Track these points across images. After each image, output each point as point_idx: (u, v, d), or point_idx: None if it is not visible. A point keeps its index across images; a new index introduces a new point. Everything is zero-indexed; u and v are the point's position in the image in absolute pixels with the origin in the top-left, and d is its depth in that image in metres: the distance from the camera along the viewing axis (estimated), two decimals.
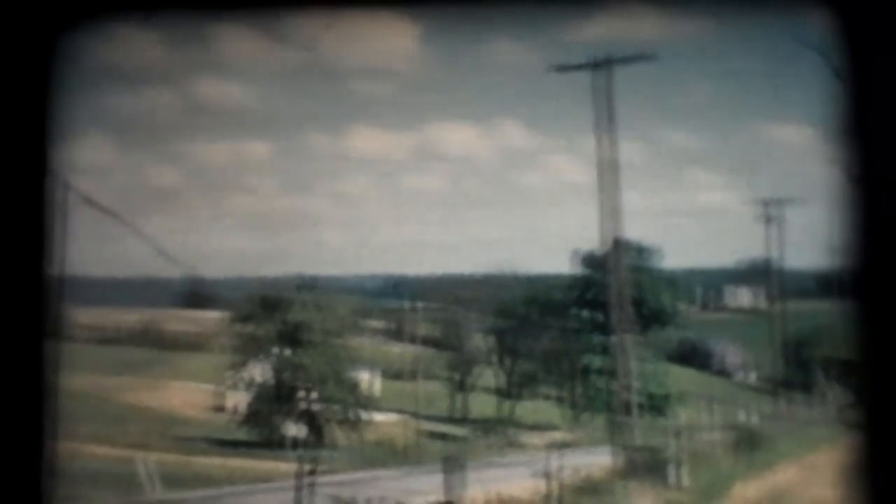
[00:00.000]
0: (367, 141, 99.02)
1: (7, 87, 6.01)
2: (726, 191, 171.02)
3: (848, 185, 5.92)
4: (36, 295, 6.03)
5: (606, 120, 36.91)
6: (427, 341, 72.34)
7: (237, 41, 74.91)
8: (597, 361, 68.17)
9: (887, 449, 5.81)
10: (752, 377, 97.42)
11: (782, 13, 7.68)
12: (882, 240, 5.90)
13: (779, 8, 7.73)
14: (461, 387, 75.00)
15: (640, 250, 74.81)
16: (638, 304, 71.56)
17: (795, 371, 75.50)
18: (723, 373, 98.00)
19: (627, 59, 37.70)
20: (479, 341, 76.26)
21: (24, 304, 5.98)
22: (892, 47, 5.92)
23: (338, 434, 53.96)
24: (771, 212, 63.01)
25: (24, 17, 6.04)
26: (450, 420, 70.71)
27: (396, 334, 75.56)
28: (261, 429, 52.96)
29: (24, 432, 5.97)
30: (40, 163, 6.07)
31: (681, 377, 79.82)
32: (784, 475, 33.38)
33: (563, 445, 43.22)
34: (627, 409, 36.37)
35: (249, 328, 54.95)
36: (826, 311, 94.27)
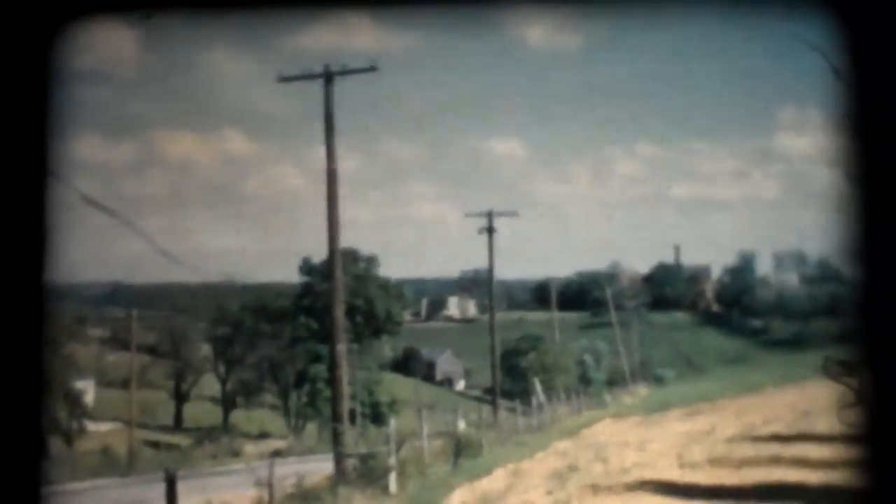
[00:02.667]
0: (86, 147, 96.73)
1: (6, 87, 5.91)
2: (446, 202, 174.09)
3: (848, 185, 5.93)
4: (35, 294, 5.92)
5: (328, 130, 37.20)
6: (146, 349, 71.15)
7: None
8: (317, 369, 68.60)
9: (887, 449, 5.78)
10: (470, 385, 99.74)
11: (783, 13, 7.54)
12: (882, 240, 5.85)
13: (780, 8, 7.62)
14: (179, 395, 74.11)
15: (361, 259, 75.72)
16: (359, 312, 72.46)
17: (509, 379, 77.85)
18: (442, 381, 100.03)
19: (349, 71, 38.10)
20: (200, 350, 75.58)
21: (23, 304, 5.87)
22: (892, 47, 5.88)
23: (52, 443, 52.54)
24: (488, 223, 64.57)
25: (24, 16, 5.95)
26: (168, 429, 69.74)
27: (115, 342, 74.11)
28: None
29: (24, 432, 5.85)
30: (39, 161, 5.98)
31: (401, 385, 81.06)
32: (496, 481, 34.30)
33: (283, 454, 43.37)
34: (347, 416, 36.72)
35: None
36: (538, 321, 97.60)
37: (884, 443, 5.78)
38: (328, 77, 37.17)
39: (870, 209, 5.86)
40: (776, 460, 35.44)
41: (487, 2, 7.88)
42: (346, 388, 37.07)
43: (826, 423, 45.62)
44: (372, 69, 38.28)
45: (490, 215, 64.54)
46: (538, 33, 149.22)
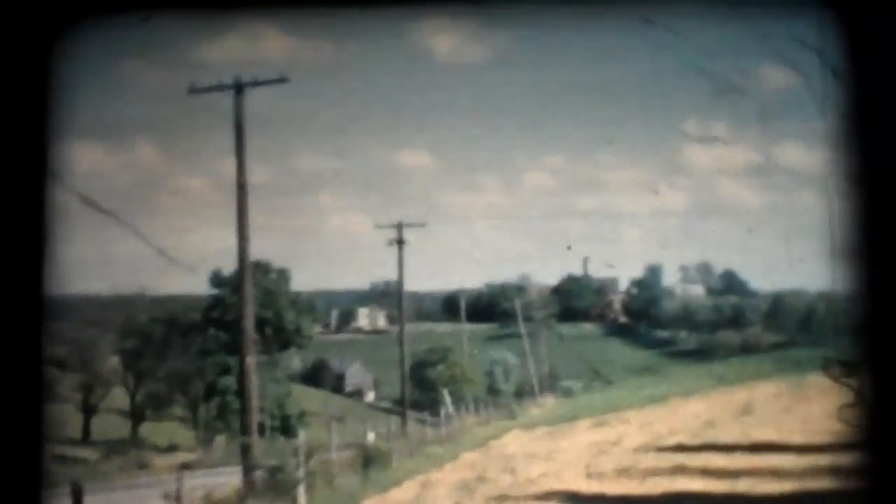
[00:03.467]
0: None
1: (6, 88, 5.89)
2: (356, 213, 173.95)
3: (848, 186, 5.92)
4: (34, 298, 5.92)
5: (238, 142, 37.15)
6: (54, 362, 70.11)
7: None
8: (226, 382, 68.23)
9: (886, 451, 5.78)
10: (380, 396, 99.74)
11: (782, 13, 7.55)
12: (882, 240, 5.85)
13: (779, 8, 7.60)
14: (87, 408, 73.28)
15: (272, 272, 75.47)
16: (268, 325, 72.21)
17: (418, 390, 78.09)
18: (351, 393, 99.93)
19: (259, 82, 38.10)
20: (109, 362, 74.76)
21: (22, 307, 5.86)
22: (892, 47, 5.87)
23: None
24: (398, 235, 64.81)
25: (24, 17, 5.92)
26: (76, 442, 68.90)
27: None
28: None
29: (24, 434, 5.86)
30: (40, 163, 5.95)
31: (310, 397, 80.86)
32: (405, 492, 34.48)
33: (192, 466, 43.12)
34: (256, 429, 36.69)
35: None
36: (448, 332, 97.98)
37: (883, 444, 5.83)
38: (238, 88, 37.10)
39: (870, 209, 5.87)
40: (681, 470, 36.00)
41: (394, 12, 7.83)
42: (255, 401, 37.04)
43: (730, 432, 46.45)
44: (282, 80, 38.31)
45: (400, 227, 64.82)
46: (446, 45, 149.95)
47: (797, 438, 42.97)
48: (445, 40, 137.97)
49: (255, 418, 36.94)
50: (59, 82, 6.07)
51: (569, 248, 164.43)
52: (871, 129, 5.82)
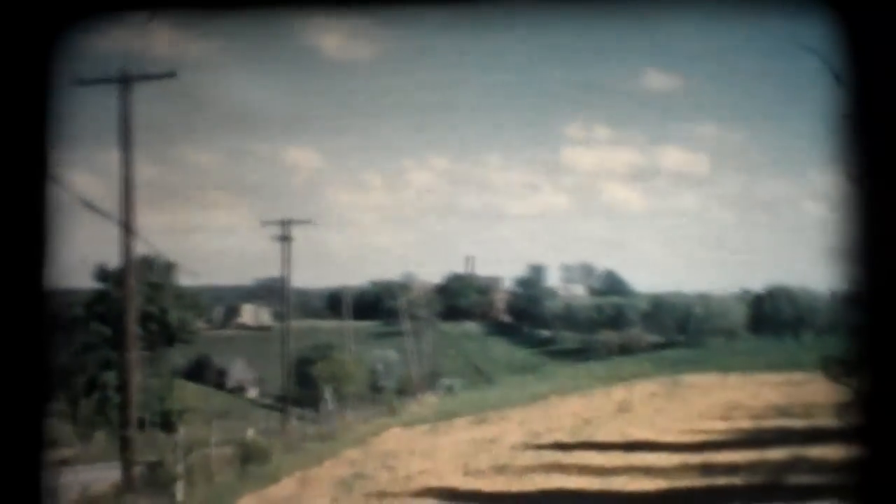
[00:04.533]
0: None
1: (6, 87, 5.86)
2: (243, 210, 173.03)
3: (848, 186, 5.90)
4: (35, 297, 5.87)
5: (125, 136, 36.88)
6: None
7: None
8: (107, 377, 67.62)
9: (885, 450, 5.81)
10: (262, 393, 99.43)
11: (782, 13, 7.46)
12: (882, 241, 5.85)
13: (779, 8, 7.53)
14: None
15: (158, 267, 74.91)
16: (152, 320, 71.72)
17: (301, 387, 78.08)
18: (234, 389, 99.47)
19: (147, 76, 37.79)
20: None
21: (23, 306, 5.80)
22: (892, 47, 5.85)
23: None
24: (284, 232, 64.83)
25: (23, 16, 5.88)
26: None
27: None
28: None
29: (24, 433, 5.84)
30: (39, 163, 5.93)
31: (192, 393, 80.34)
32: (285, 488, 34.68)
33: (70, 461, 42.79)
34: (136, 424, 36.59)
35: None
36: (332, 329, 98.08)
37: (882, 444, 5.83)
38: (125, 81, 36.68)
39: (869, 210, 5.86)
40: (558, 467, 36.71)
41: (281, 10, 7.81)
42: (135, 396, 36.90)
43: (607, 431, 47.41)
44: (171, 75, 38.09)
45: (286, 223, 64.84)
46: (333, 42, 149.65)
47: (671, 437, 44.08)
48: (332, 37, 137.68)
49: (136, 413, 36.83)
50: (59, 82, 6.06)
51: (468, 258, 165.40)
52: (872, 129, 5.84)
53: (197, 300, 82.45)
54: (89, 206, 29.90)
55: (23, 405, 5.87)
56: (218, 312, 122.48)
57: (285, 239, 64.68)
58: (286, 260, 65.00)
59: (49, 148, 5.97)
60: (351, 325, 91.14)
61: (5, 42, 5.88)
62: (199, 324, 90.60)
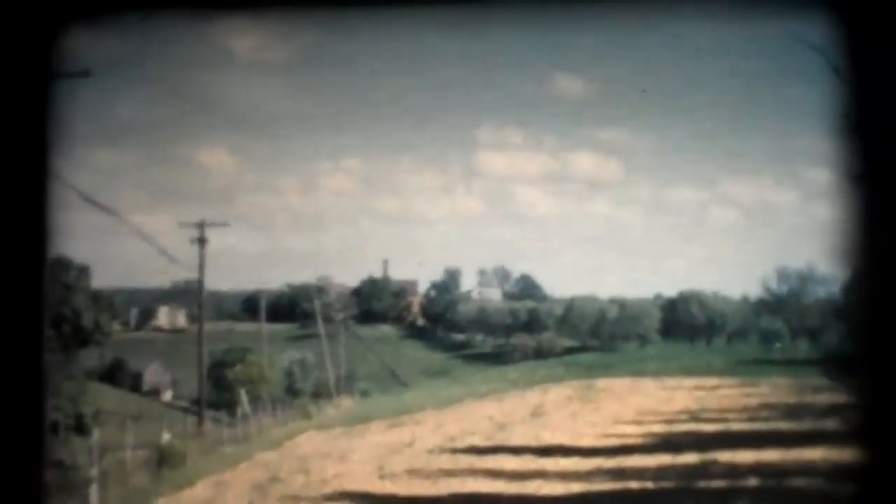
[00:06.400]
0: None
1: (5, 87, 5.83)
2: (158, 212, 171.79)
3: (848, 185, 5.87)
4: (34, 294, 5.82)
5: (45, 137, 36.55)
6: None
7: None
8: None
9: (885, 451, 5.78)
10: (178, 395, 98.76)
11: (782, 13, 7.44)
12: (882, 240, 5.82)
13: (779, 8, 7.48)
14: None
15: (73, 269, 74.16)
16: (66, 322, 71.01)
17: (216, 390, 77.75)
18: (149, 391, 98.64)
19: (62, 74, 37.51)
20: None
21: (23, 304, 5.74)
22: (892, 47, 5.83)
23: None
24: (200, 234, 64.49)
25: (23, 16, 5.84)
26: None
27: None
28: None
29: (24, 432, 5.81)
30: (40, 163, 5.88)
31: (107, 395, 79.68)
32: (200, 492, 34.67)
33: None
34: (49, 427, 36.31)
35: None
36: (248, 332, 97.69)
37: (882, 445, 5.81)
38: (48, 80, 36.49)
39: (869, 210, 5.84)
40: (472, 471, 37.04)
41: (195, 13, 7.75)
42: (48, 399, 36.65)
43: (521, 435, 47.87)
44: (86, 74, 37.88)
45: (202, 226, 64.55)
46: (247, 44, 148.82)
47: (585, 441, 44.63)
48: (247, 41, 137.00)
49: (49, 416, 36.53)
50: (59, 82, 6.08)
51: (419, 262, 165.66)
52: (872, 129, 5.82)
53: (111, 302, 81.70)
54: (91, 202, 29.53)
55: (21, 404, 5.90)
56: (133, 315, 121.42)
57: (201, 241, 64.37)
58: (202, 262, 64.72)
59: (48, 146, 6.02)
60: (266, 327, 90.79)
61: (5, 42, 5.90)
62: (114, 326, 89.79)
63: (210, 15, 7.74)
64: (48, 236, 6.12)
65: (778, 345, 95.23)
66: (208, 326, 69.59)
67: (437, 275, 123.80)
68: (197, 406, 67.20)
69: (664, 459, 37.75)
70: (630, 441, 44.08)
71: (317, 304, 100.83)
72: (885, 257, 5.78)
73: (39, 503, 6.13)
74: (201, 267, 64.90)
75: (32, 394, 6.04)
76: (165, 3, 7.38)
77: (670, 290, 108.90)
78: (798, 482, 31.53)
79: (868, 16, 5.88)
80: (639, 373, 79.72)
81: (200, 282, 66.01)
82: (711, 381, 72.08)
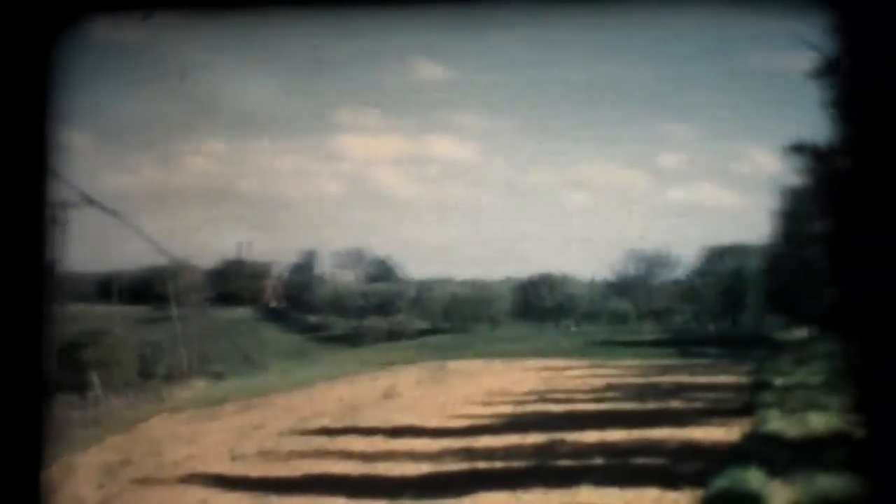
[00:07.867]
0: None
1: (6, 87, 5.90)
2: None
3: (848, 185, 5.96)
4: (36, 293, 5.81)
5: None
6: None
7: None
8: None
9: (885, 451, 5.87)
10: None
11: (782, 12, 7.48)
12: (881, 236, 5.84)
13: (779, 7, 7.54)
14: None
15: None
16: None
17: (67, 372, 76.76)
18: None
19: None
20: None
21: (24, 302, 5.78)
22: (892, 47, 5.88)
23: None
24: (57, 214, 63.70)
25: (24, 16, 5.89)
26: None
27: None
28: None
29: (24, 428, 5.91)
30: (40, 161, 6.10)
31: None
32: (49, 475, 34.57)
33: None
34: None
35: None
36: (102, 314, 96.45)
37: (882, 445, 5.85)
38: None
39: (868, 205, 5.83)
40: (323, 453, 37.53)
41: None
42: None
43: (372, 416, 48.48)
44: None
45: (58, 206, 63.78)
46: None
47: (435, 422, 45.42)
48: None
49: None
50: (59, 81, 6.20)
51: (241, 244, 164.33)
52: (871, 127, 5.89)
53: None
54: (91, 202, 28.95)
55: (22, 401, 6.13)
56: None
57: (56, 222, 63.55)
58: (58, 243, 63.88)
59: (50, 145, 6.26)
60: (120, 310, 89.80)
61: (5, 42, 6.00)
62: None
63: (210, 15, 7.86)
64: (48, 233, 6.23)
65: (625, 326, 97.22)
66: (66, 308, 68.74)
67: (294, 257, 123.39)
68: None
69: (512, 440, 38.62)
70: (479, 422, 44.93)
71: (170, 286, 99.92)
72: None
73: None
74: (57, 248, 64.08)
75: (33, 391, 6.40)
76: (165, 3, 7.59)
77: (523, 273, 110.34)
78: (642, 461, 32.62)
79: (867, 15, 5.97)
80: (489, 355, 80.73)
81: (55, 263, 65.14)
82: (560, 362, 73.40)
